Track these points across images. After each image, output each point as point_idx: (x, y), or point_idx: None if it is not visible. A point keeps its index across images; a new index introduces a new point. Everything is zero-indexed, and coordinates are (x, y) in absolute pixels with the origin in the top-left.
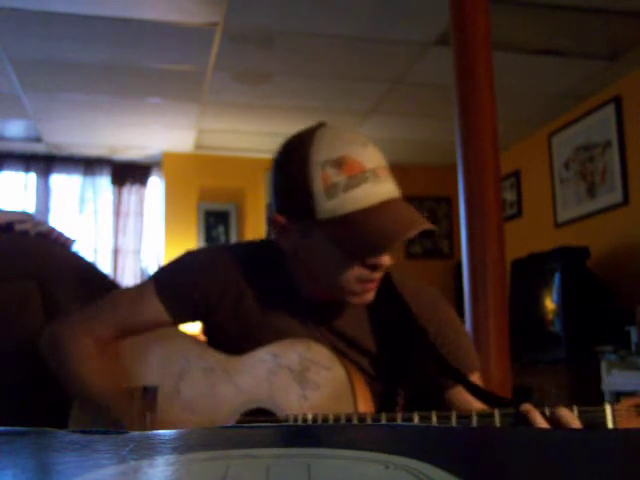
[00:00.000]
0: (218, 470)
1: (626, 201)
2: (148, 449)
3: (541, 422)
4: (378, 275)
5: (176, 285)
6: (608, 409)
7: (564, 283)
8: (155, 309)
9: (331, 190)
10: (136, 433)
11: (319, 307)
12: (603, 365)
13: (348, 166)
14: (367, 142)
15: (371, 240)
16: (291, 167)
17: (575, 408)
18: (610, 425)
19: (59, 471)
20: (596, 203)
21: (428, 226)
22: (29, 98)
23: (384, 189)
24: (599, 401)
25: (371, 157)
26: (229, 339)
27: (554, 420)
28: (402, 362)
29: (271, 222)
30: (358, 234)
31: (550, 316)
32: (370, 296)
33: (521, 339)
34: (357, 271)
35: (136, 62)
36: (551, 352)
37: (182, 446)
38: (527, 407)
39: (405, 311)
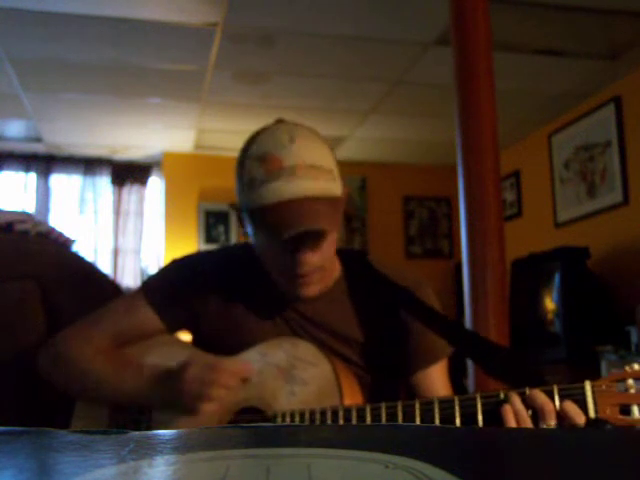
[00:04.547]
0: (218, 470)
1: (626, 201)
2: (148, 449)
3: (520, 409)
4: (302, 272)
5: (165, 292)
6: (588, 385)
7: (564, 283)
8: (149, 317)
9: (251, 183)
10: (136, 433)
11: (300, 302)
12: (603, 365)
13: (268, 162)
14: (299, 139)
15: (269, 234)
16: (237, 162)
17: (555, 387)
18: (590, 401)
19: (59, 471)
20: (596, 203)
21: (312, 227)
22: (29, 98)
23: (296, 188)
24: None
25: (294, 155)
26: (218, 342)
27: (529, 405)
28: (393, 349)
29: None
30: (263, 227)
31: (550, 316)
32: (307, 291)
33: (521, 339)
34: (281, 263)
35: (136, 62)
36: (551, 352)
37: (182, 446)
38: (512, 395)
39: (393, 287)
